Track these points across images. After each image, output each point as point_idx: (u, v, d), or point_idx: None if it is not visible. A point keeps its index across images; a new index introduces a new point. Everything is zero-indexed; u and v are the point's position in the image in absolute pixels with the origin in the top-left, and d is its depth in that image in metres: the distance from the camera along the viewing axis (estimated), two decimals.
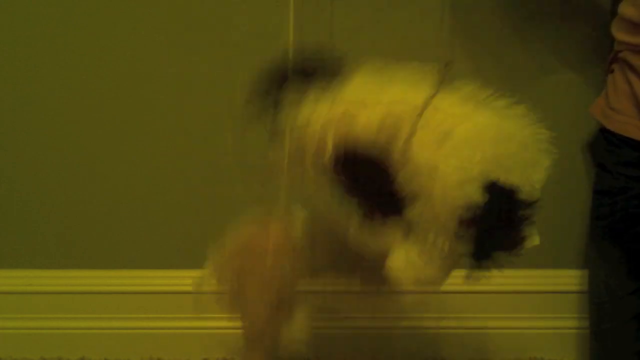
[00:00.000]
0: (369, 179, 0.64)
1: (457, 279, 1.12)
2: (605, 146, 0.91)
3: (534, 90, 1.03)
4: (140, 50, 1.02)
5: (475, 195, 0.56)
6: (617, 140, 0.88)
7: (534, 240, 0.60)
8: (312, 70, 0.69)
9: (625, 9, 0.85)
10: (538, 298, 1.13)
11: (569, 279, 1.11)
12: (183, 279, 1.14)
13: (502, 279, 1.12)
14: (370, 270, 0.73)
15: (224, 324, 1.16)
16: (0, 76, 1.04)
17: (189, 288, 1.14)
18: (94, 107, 1.05)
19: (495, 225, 0.57)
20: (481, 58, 1.01)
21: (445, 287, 1.12)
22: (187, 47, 1.02)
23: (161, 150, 1.07)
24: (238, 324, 1.14)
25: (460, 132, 0.58)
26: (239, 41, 1.01)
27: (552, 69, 1.02)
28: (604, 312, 0.95)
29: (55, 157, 1.08)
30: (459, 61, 1.01)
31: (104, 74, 1.03)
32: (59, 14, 1.00)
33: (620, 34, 0.87)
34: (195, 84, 1.04)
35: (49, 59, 1.03)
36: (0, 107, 1.06)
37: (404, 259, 0.64)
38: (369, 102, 0.63)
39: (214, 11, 1.00)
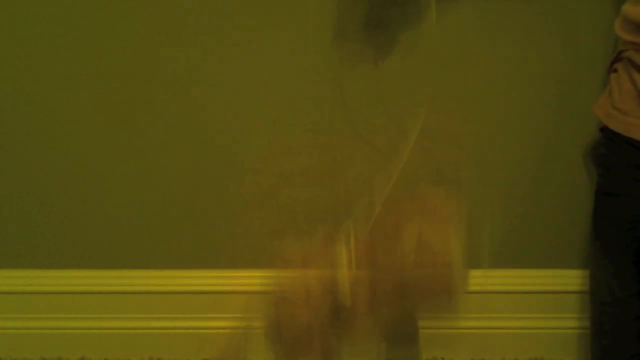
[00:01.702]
0: None
1: None
2: (609, 146, 0.91)
3: (533, 90, 1.03)
4: (141, 50, 1.02)
5: None
6: (622, 141, 0.87)
7: None
8: None
9: (630, 9, 0.84)
10: (538, 298, 1.13)
11: (569, 279, 1.11)
12: (183, 279, 1.14)
13: (502, 279, 1.13)
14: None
15: (223, 324, 1.16)
16: (0, 76, 1.04)
17: (189, 288, 1.15)
18: (94, 107, 1.05)
19: None
20: (478, 57, 1.01)
21: None
22: (188, 47, 1.02)
23: (161, 150, 1.07)
24: (238, 323, 1.15)
25: None
26: (243, 40, 1.01)
27: (552, 68, 1.02)
28: (605, 314, 0.95)
29: (55, 157, 1.08)
30: (455, 63, 1.02)
31: (104, 74, 1.03)
32: (59, 14, 1.00)
33: (625, 34, 0.86)
34: (196, 83, 1.04)
35: (49, 59, 1.02)
36: (0, 107, 1.06)
37: None
38: None
39: (216, 9, 1.00)
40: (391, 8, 0.97)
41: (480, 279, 1.13)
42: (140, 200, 1.10)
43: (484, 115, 1.04)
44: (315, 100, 1.03)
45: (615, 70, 0.90)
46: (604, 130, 0.92)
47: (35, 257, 1.14)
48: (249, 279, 1.13)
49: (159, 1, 1.00)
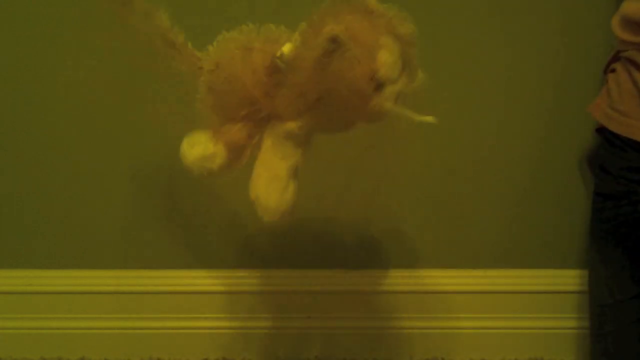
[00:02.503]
0: None
1: (456, 279, 1.13)
2: (608, 148, 0.90)
3: (532, 91, 1.03)
4: (141, 50, 1.02)
5: None
6: (621, 142, 0.86)
7: None
8: None
9: (630, 9, 0.83)
10: (538, 298, 1.13)
11: (569, 279, 1.11)
12: (183, 279, 1.14)
13: (502, 279, 1.13)
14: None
15: (223, 324, 1.16)
16: (0, 76, 1.04)
17: (189, 288, 1.15)
18: (94, 107, 1.05)
19: None
20: (476, 58, 1.01)
21: (445, 287, 1.13)
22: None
23: (161, 150, 1.07)
24: (238, 323, 1.15)
25: None
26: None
27: (551, 69, 1.02)
28: (605, 315, 0.95)
29: (55, 157, 1.08)
30: (454, 63, 1.02)
31: (104, 74, 1.03)
32: (59, 14, 1.00)
33: (625, 34, 0.85)
34: (195, 83, 1.04)
35: (49, 59, 1.03)
36: (0, 107, 1.06)
37: None
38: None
39: (214, 9, 1.00)
40: None
41: (480, 279, 1.13)
42: (140, 201, 1.10)
43: (483, 115, 1.04)
44: None
45: (613, 70, 0.89)
46: (601, 131, 0.92)
47: (35, 257, 1.14)
48: (248, 279, 1.13)
49: (159, 1, 0.99)
